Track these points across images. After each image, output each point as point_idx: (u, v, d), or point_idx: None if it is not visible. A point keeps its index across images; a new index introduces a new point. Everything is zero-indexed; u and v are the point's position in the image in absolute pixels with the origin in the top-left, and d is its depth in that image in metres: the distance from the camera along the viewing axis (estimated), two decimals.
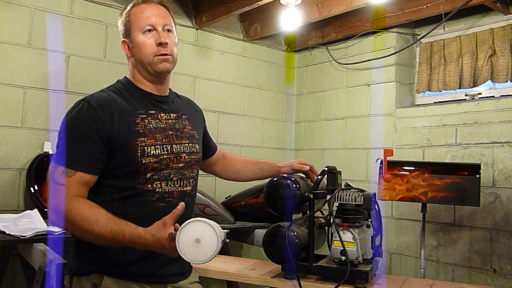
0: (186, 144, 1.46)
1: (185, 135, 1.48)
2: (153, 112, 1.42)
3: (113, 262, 1.32)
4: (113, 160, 1.33)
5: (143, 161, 1.34)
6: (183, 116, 1.51)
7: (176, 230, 1.16)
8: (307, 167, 1.80)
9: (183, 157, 1.44)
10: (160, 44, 1.40)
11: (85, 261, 1.35)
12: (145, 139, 1.36)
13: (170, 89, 1.55)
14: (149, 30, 1.41)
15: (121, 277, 1.34)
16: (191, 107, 1.64)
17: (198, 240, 1.12)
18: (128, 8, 1.46)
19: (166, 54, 1.41)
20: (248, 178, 1.88)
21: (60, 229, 2.10)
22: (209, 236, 1.13)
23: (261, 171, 1.83)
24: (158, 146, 1.37)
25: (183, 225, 1.14)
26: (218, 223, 1.21)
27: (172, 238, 1.15)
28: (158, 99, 1.47)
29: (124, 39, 1.46)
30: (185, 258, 1.13)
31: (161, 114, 1.44)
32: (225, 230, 1.21)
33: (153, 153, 1.36)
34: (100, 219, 1.22)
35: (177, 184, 1.42)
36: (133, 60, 1.46)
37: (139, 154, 1.34)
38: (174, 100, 1.54)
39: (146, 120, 1.39)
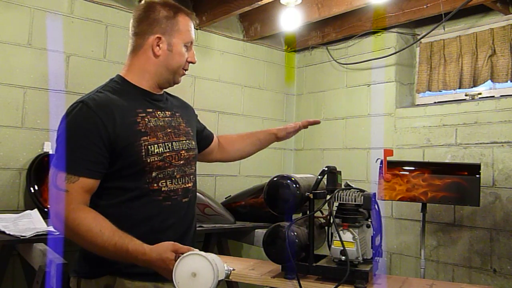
0: (183, 141, 1.47)
1: (182, 132, 1.48)
2: (150, 110, 1.42)
3: (125, 263, 1.29)
4: (117, 162, 1.32)
5: (148, 160, 1.33)
6: (177, 114, 1.52)
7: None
8: (299, 124, 1.83)
9: (182, 154, 1.44)
10: (190, 63, 1.50)
11: (96, 263, 1.33)
12: (148, 137, 1.35)
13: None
14: (188, 46, 1.48)
15: (134, 277, 1.33)
16: (182, 105, 1.65)
17: (195, 274, 1.10)
18: (175, 10, 1.46)
19: (186, 71, 1.50)
20: (249, 153, 1.90)
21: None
22: (206, 273, 1.10)
23: (259, 141, 1.86)
24: (161, 144, 1.37)
25: (184, 254, 1.13)
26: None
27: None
28: (153, 97, 1.46)
29: (160, 36, 1.42)
30: None
31: (158, 112, 1.44)
32: (230, 268, 1.18)
33: (157, 151, 1.36)
34: (104, 232, 1.21)
35: (180, 181, 1.42)
36: (154, 59, 1.43)
37: (144, 153, 1.33)
38: (167, 99, 1.55)
39: (146, 119, 1.38)
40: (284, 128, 1.83)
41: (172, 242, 1.18)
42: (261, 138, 1.86)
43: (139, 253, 1.19)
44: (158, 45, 1.42)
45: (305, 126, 1.87)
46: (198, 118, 1.75)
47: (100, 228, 1.21)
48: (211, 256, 1.13)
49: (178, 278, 1.11)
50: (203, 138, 1.75)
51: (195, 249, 1.15)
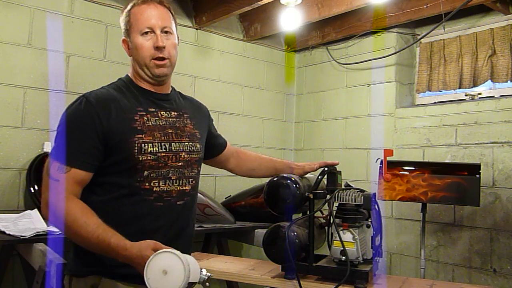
0: (186, 143, 1.46)
1: (186, 133, 1.47)
2: (153, 110, 1.42)
3: (110, 264, 1.30)
4: (110, 157, 1.33)
5: (140, 158, 1.33)
6: (185, 115, 1.51)
7: None
8: (317, 165, 1.81)
9: (182, 156, 1.43)
10: (157, 48, 1.40)
11: (83, 262, 1.35)
12: (143, 136, 1.35)
13: (173, 88, 1.55)
14: (147, 32, 1.40)
15: (118, 278, 1.34)
16: (195, 106, 1.63)
17: (166, 271, 1.10)
18: (129, 7, 1.45)
19: (163, 58, 1.41)
20: (262, 176, 1.89)
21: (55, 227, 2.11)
22: (177, 272, 1.10)
23: (275, 170, 1.84)
24: (156, 144, 1.37)
25: (158, 251, 1.13)
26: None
27: None
28: (158, 97, 1.47)
29: (124, 38, 1.47)
30: (147, 284, 1.11)
31: (161, 112, 1.44)
32: (208, 274, 1.17)
33: (151, 151, 1.35)
34: (89, 224, 1.22)
35: (176, 183, 1.41)
36: (132, 60, 1.46)
37: (136, 151, 1.33)
38: (176, 99, 1.54)
39: (145, 117, 1.39)
40: (302, 167, 1.81)
41: (154, 241, 1.18)
42: (278, 168, 1.84)
43: (120, 248, 1.19)
44: (128, 47, 1.46)
45: (322, 167, 1.85)
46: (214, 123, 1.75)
47: (86, 220, 1.22)
48: (186, 257, 1.13)
49: (149, 274, 1.11)
50: (215, 145, 1.74)
51: (172, 249, 1.14)
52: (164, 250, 1.12)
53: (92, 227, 1.21)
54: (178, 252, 1.12)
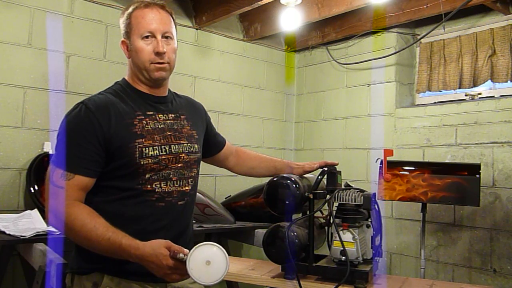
0: (184, 144, 1.47)
1: (184, 135, 1.48)
2: (151, 113, 1.43)
3: (113, 261, 1.31)
4: (112, 162, 1.34)
5: (142, 162, 1.35)
6: (182, 116, 1.52)
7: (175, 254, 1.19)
8: (317, 165, 1.81)
9: (182, 157, 1.44)
10: (157, 54, 1.40)
11: (86, 260, 1.36)
12: (143, 140, 1.36)
13: (169, 89, 1.56)
14: (148, 37, 1.41)
15: (121, 276, 1.34)
16: (191, 106, 1.64)
17: (209, 262, 1.16)
18: (130, 9, 1.45)
19: (162, 63, 1.42)
20: (261, 175, 1.89)
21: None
22: (220, 263, 1.17)
23: (274, 169, 1.84)
24: (156, 147, 1.38)
25: (199, 244, 1.18)
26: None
27: (173, 256, 1.17)
28: (156, 100, 1.47)
29: (123, 39, 1.47)
30: (190, 274, 1.15)
31: (159, 115, 1.45)
32: None
33: (151, 154, 1.36)
34: (98, 227, 1.23)
35: (177, 184, 1.42)
36: (130, 62, 1.46)
37: (137, 155, 1.34)
38: (172, 101, 1.55)
39: (144, 122, 1.39)
40: (302, 166, 1.82)
41: (165, 240, 1.21)
42: (278, 167, 1.84)
43: (132, 248, 1.20)
44: (127, 49, 1.46)
45: (322, 167, 1.85)
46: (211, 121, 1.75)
47: (94, 224, 1.24)
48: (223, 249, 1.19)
49: (192, 265, 1.15)
50: (214, 143, 1.76)
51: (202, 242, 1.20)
52: (205, 242, 1.18)
53: (102, 230, 1.23)
54: (217, 244, 1.18)
